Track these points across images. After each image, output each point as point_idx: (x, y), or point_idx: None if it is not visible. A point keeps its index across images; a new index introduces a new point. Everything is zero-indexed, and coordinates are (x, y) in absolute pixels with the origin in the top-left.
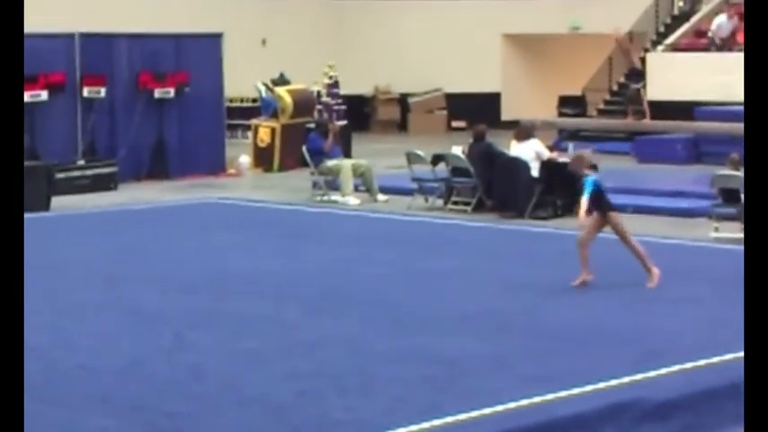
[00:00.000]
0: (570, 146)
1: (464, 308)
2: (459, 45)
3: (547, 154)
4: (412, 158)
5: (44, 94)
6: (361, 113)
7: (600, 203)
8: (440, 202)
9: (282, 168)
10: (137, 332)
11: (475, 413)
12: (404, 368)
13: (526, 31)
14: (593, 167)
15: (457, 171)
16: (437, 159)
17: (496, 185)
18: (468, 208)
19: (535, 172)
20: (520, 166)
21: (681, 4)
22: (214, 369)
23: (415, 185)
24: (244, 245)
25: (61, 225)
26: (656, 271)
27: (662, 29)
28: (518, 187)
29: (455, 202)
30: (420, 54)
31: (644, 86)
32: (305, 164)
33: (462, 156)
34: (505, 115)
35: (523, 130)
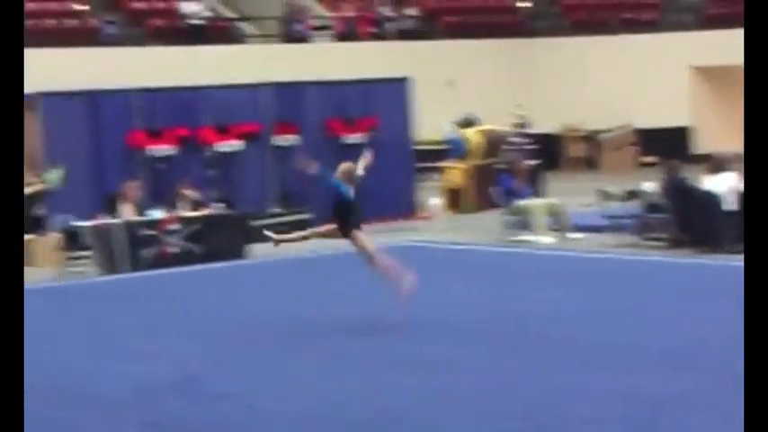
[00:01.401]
0: None
1: (661, 344)
2: (647, 79)
3: (742, 187)
4: (604, 195)
5: (238, 144)
6: (550, 152)
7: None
8: (634, 238)
9: (474, 209)
10: (331, 376)
11: None
12: (600, 407)
13: (715, 62)
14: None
15: (650, 207)
16: (630, 195)
17: (691, 220)
18: (663, 244)
19: (732, 205)
20: (714, 199)
21: None
22: (408, 411)
23: (607, 223)
24: (437, 286)
25: (257, 272)
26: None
27: None
28: (714, 221)
29: (649, 238)
30: (608, 90)
31: None
32: (496, 204)
33: (655, 191)
34: (697, 149)
35: (717, 163)
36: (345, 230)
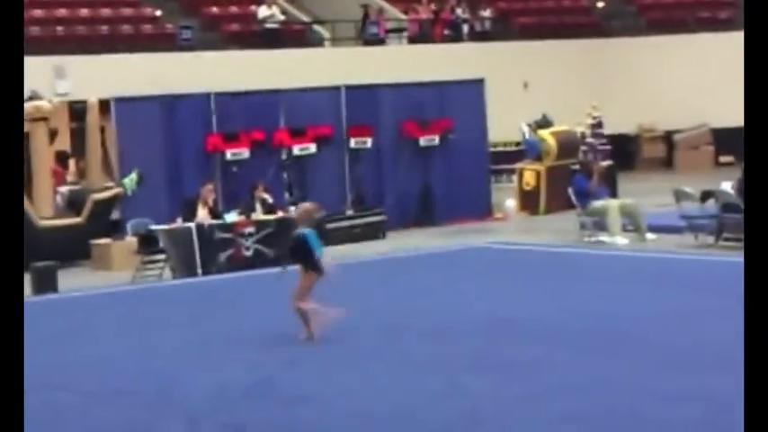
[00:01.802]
0: None
1: (738, 346)
2: (724, 78)
3: None
4: (680, 196)
5: (312, 147)
6: (625, 152)
7: (307, 259)
8: (710, 239)
9: (549, 211)
10: (410, 378)
11: None
12: (677, 409)
13: None
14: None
15: (727, 207)
16: (706, 196)
17: None
18: (740, 244)
19: None
20: None
21: None
22: (488, 413)
23: (684, 223)
24: (513, 288)
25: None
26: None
27: None
28: None
29: (726, 239)
30: (684, 90)
31: None
32: (571, 205)
33: (732, 191)
34: None
35: None
36: (307, 266)
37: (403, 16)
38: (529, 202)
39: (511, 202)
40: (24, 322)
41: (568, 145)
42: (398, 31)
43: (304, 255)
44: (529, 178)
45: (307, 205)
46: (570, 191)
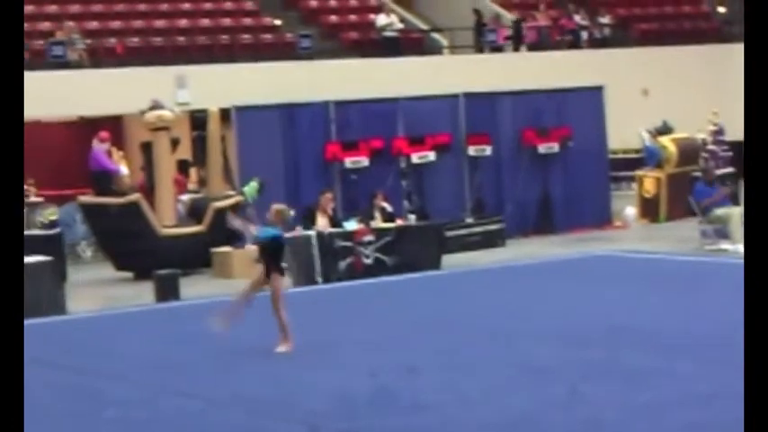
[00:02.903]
0: None
1: None
2: None
3: None
4: None
5: (431, 155)
6: None
7: (275, 261)
8: None
9: (669, 218)
10: (530, 386)
11: None
12: None
13: None
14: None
15: None
16: None
17: None
18: None
19: None
20: None
21: None
22: (610, 422)
23: None
24: (634, 297)
25: (453, 283)
26: (289, 345)
27: None
28: None
29: None
30: None
31: None
32: (692, 213)
33: None
34: None
35: None
36: (269, 271)
37: (521, 23)
38: (649, 209)
39: (631, 210)
40: (149, 328)
41: (689, 152)
42: (516, 38)
43: (275, 253)
44: (649, 186)
45: (279, 206)
46: (691, 198)
